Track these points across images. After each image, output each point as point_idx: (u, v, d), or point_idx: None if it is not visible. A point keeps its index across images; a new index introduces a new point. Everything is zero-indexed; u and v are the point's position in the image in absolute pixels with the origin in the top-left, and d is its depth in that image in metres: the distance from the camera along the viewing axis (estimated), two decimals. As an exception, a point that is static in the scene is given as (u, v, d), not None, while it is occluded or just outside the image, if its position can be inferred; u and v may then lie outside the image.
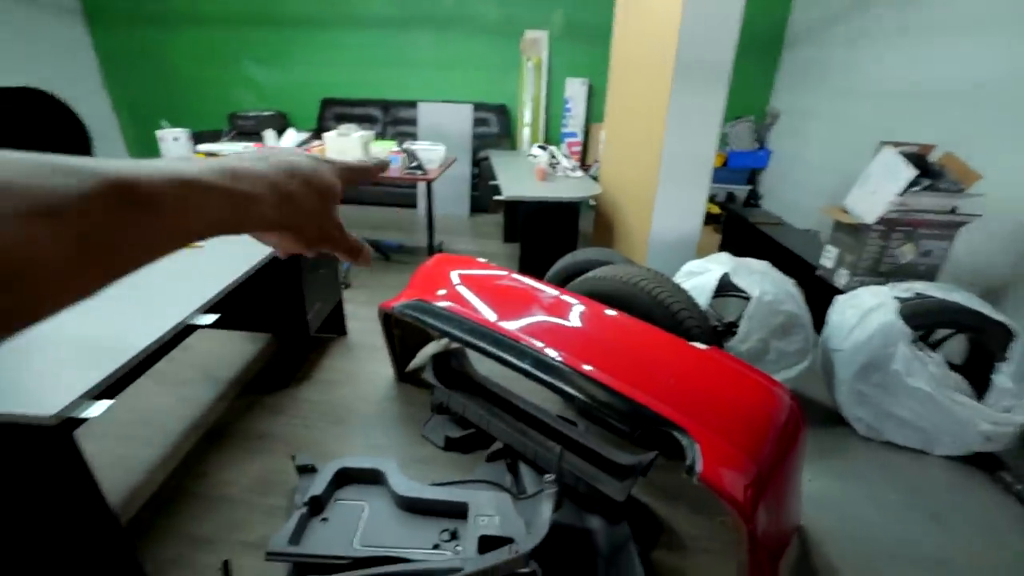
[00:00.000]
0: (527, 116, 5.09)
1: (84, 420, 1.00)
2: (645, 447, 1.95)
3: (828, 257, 2.56)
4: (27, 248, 0.19)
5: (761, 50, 4.75)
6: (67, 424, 0.98)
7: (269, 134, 3.22)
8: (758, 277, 2.13)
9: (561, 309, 1.73)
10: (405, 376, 2.29)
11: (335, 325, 2.54)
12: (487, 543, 1.34)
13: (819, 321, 2.17)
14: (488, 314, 1.72)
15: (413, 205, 4.77)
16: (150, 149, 6.16)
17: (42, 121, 5.06)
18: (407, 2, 5.12)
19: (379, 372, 2.32)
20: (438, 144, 3.19)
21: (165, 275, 1.53)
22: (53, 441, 0.99)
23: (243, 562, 1.44)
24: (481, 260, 2.08)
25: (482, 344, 1.60)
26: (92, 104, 5.67)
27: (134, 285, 1.22)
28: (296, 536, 1.32)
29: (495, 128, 5.16)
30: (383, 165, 0.45)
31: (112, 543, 1.20)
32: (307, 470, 1.66)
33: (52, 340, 1.16)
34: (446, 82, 5.34)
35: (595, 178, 3.68)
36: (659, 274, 1.96)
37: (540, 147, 3.14)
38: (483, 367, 2.15)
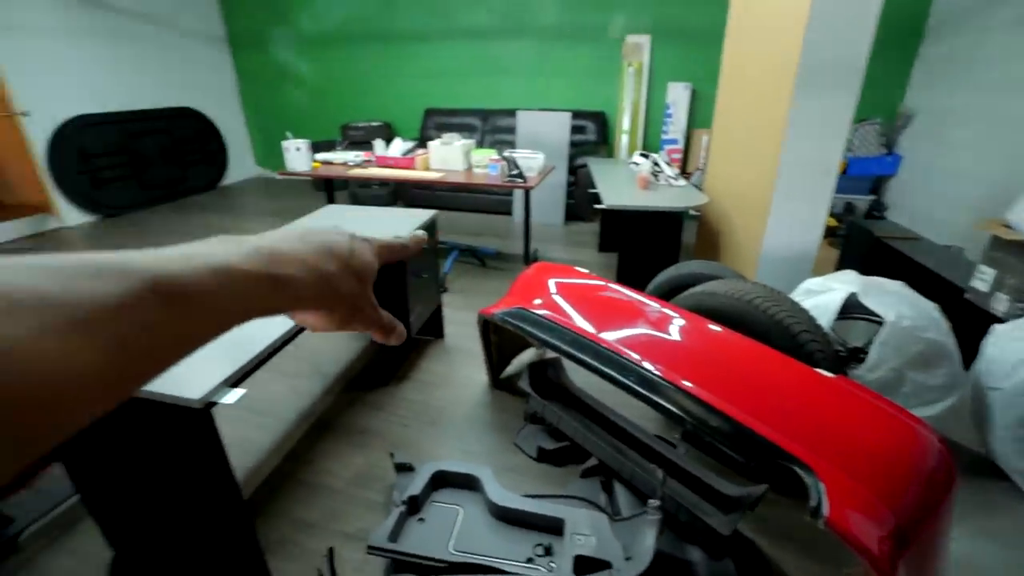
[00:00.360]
0: (626, 123, 4.98)
1: (216, 404, 1.10)
2: (754, 479, 1.80)
3: (982, 279, 2.22)
4: (64, 364, 0.18)
5: (895, 43, 4.27)
6: (208, 407, 1.08)
7: (378, 143, 3.42)
8: (893, 299, 1.89)
9: (668, 324, 1.65)
10: (499, 383, 2.30)
11: (433, 328, 2.62)
12: (583, 564, 1.29)
13: (967, 352, 1.88)
14: (589, 325, 1.68)
15: (509, 212, 4.83)
16: (275, 158, 6.82)
17: (194, 134, 5.87)
18: (507, 13, 5.23)
19: (473, 377, 2.35)
20: (537, 152, 3.20)
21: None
22: (197, 421, 1.09)
23: (342, 552, 1.51)
24: (582, 270, 2.04)
25: (583, 356, 1.56)
26: (230, 118, 6.40)
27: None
28: (395, 534, 1.35)
29: (592, 135, 5.10)
30: (420, 240, 0.45)
31: (235, 517, 1.30)
32: (404, 468, 1.72)
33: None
34: (544, 90, 5.38)
35: (698, 187, 3.50)
36: (775, 291, 1.80)
37: (642, 154, 3.03)
38: (579, 379, 2.10)
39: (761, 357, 1.49)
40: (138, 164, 5.20)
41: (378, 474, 1.82)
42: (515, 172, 2.95)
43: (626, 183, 3.10)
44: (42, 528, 1.63)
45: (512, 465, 1.87)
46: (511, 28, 5.27)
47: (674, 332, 1.64)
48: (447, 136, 3.31)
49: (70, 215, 4.78)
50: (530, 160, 3.09)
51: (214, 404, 1.10)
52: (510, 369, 2.38)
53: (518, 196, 4.65)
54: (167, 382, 1.05)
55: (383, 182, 5.14)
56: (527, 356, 2.47)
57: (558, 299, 1.88)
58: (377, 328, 0.40)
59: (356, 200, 5.18)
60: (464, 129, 5.28)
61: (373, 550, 1.30)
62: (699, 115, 4.95)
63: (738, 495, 1.56)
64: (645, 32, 4.91)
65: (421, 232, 0.45)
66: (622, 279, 2.86)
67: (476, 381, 2.32)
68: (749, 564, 1.55)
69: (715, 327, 1.60)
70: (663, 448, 1.78)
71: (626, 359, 1.51)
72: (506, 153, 3.02)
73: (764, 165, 2.54)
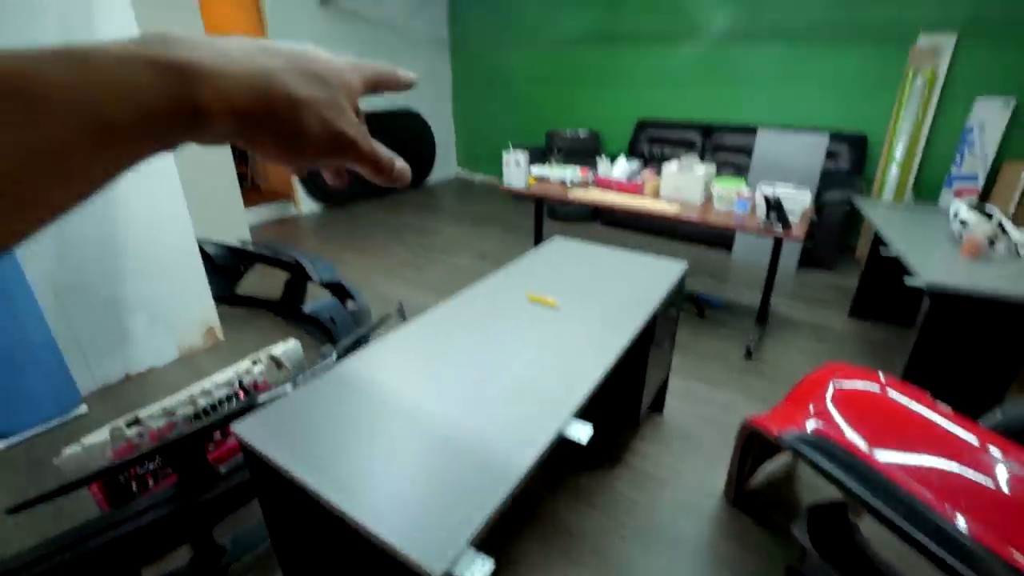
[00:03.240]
0: (899, 151, 3.92)
1: None
2: None
3: None
4: None
5: None
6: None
7: (602, 162, 3.05)
8: None
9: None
10: (740, 498, 1.76)
11: (653, 399, 2.16)
12: None
13: None
14: (930, 486, 1.08)
15: (727, 246, 4.14)
16: (475, 160, 6.98)
17: (412, 134, 6.11)
18: (756, 12, 4.48)
19: (703, 479, 1.85)
20: (802, 188, 2.53)
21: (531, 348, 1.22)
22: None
23: None
24: (890, 378, 1.42)
25: (939, 552, 0.98)
26: (441, 120, 6.68)
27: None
28: None
29: (845, 164, 4.13)
30: (410, 80, 0.34)
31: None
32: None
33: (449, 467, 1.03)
34: (786, 103, 4.53)
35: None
36: None
37: (975, 207, 2.16)
38: (874, 531, 1.48)
39: None
40: (362, 160, 5.64)
41: (590, 604, 1.44)
42: (775, 215, 2.33)
43: (936, 243, 2.27)
44: (253, 561, 1.58)
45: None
46: (753, 30, 4.52)
47: None
48: (686, 159, 2.80)
49: (305, 204, 5.36)
50: (795, 200, 2.44)
51: None
52: (755, 481, 1.83)
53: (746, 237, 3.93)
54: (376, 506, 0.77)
55: (582, 196, 4.82)
56: (776, 466, 1.89)
57: (877, 433, 1.29)
58: (369, 161, 0.31)
59: (554, 213, 4.94)
60: (682, 145, 4.70)
61: None
62: (1018, 142, 3.68)
63: None
64: (949, 29, 3.78)
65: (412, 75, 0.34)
66: (912, 377, 2.09)
67: (707, 487, 1.82)
68: None
69: None
70: None
71: None
72: (764, 188, 2.41)
73: None
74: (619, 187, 2.92)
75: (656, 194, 2.88)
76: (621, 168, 3.01)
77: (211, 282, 3.01)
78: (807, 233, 3.71)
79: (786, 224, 2.33)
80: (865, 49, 4.12)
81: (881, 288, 3.00)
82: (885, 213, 2.81)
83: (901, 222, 2.63)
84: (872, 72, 4.13)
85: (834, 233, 3.76)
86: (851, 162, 4.13)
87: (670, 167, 2.78)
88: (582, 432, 1.08)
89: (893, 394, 1.42)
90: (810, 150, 3.48)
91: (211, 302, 2.88)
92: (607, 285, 1.73)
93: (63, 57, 0.18)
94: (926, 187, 4.05)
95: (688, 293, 3.11)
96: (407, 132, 6.06)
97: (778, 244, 2.59)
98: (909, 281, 1.93)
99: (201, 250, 3.00)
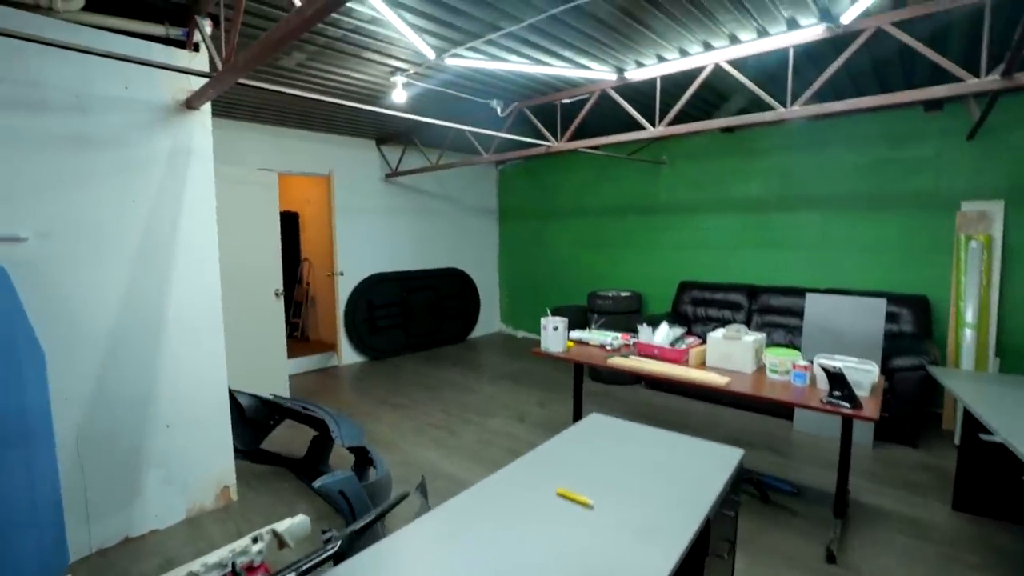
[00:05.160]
0: (969, 314, 3.65)
1: None
2: None
3: None
4: None
5: None
6: None
7: (643, 330, 2.96)
8: None
9: None
10: None
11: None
12: None
13: None
14: None
15: (787, 416, 3.77)
16: (517, 316, 7.09)
17: (457, 292, 6.36)
18: (787, 184, 4.66)
19: None
20: (867, 362, 2.30)
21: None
22: None
23: None
24: None
25: None
26: (487, 279, 7.00)
27: None
28: None
29: (908, 326, 3.86)
30: None
31: None
32: None
33: None
34: (832, 266, 4.45)
35: None
36: None
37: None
38: None
39: None
40: (407, 315, 5.86)
41: None
42: (839, 393, 2.08)
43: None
44: None
45: None
46: (791, 198, 4.66)
47: None
48: (732, 328, 2.66)
49: (348, 355, 5.47)
50: (861, 373, 2.20)
51: None
52: None
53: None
54: None
55: (625, 355, 4.67)
56: None
57: None
58: None
59: (597, 375, 4.76)
60: (726, 307, 4.60)
61: None
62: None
63: None
64: (994, 197, 3.75)
65: None
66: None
67: None
68: None
69: None
70: None
71: None
72: (823, 361, 2.20)
73: None
74: (661, 354, 2.78)
75: (701, 362, 2.70)
76: (663, 334, 2.88)
77: (238, 435, 2.93)
78: (880, 406, 3.37)
79: (854, 401, 2.07)
80: (907, 215, 4.11)
81: (990, 477, 2.53)
82: (973, 387, 2.49)
83: (997, 398, 2.29)
84: (920, 236, 4.07)
85: (911, 403, 3.36)
86: (915, 324, 3.86)
87: (715, 335, 2.65)
88: None
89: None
90: (868, 314, 3.28)
91: (231, 459, 2.76)
92: (650, 478, 1.51)
93: None
94: (1012, 354, 3.68)
95: (748, 474, 2.73)
96: (452, 288, 6.34)
97: (848, 422, 2.29)
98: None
99: (234, 400, 2.98)
